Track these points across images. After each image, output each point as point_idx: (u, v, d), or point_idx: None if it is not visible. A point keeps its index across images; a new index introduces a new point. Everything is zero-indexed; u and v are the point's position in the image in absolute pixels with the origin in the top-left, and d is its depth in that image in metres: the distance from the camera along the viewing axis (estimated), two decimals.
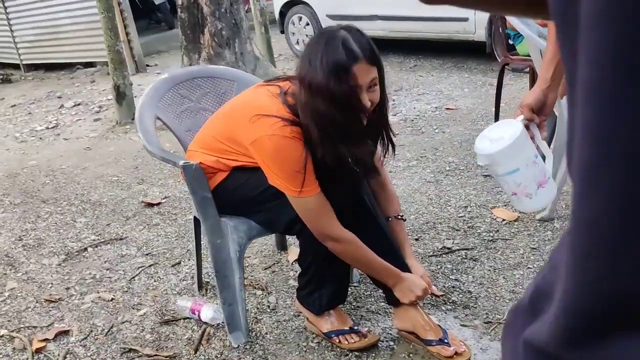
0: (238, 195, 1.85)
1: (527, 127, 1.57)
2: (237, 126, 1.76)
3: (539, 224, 2.54)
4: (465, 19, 5.40)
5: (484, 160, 1.55)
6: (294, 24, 6.98)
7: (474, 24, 5.38)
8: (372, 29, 5.73)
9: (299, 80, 1.64)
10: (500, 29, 3.64)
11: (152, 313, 2.23)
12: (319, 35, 1.65)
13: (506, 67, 3.73)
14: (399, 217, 1.95)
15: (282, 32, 7.18)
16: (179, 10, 4.84)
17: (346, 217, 1.76)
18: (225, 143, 1.81)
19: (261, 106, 1.70)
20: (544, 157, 1.62)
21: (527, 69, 4.60)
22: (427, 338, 1.82)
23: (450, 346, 1.79)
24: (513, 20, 2.84)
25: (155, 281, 2.46)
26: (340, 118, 1.59)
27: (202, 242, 2.26)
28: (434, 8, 5.47)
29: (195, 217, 2.21)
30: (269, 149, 1.66)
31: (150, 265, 2.58)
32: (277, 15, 7.08)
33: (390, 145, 1.81)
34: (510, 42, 3.52)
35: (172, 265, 2.57)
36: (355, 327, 1.93)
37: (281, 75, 1.88)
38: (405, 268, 1.86)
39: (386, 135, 1.79)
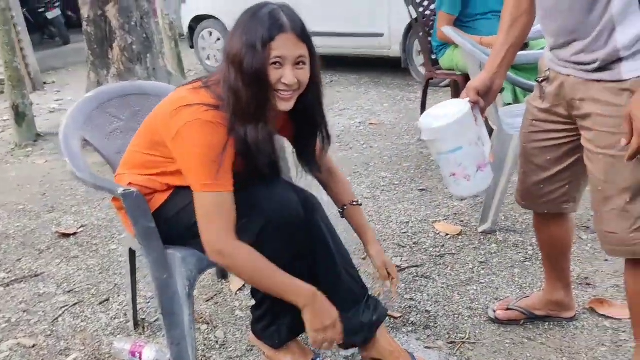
0: (180, 221, 1.66)
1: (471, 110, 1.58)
2: (158, 126, 1.59)
3: (482, 237, 2.55)
4: (381, 35, 5.48)
5: (429, 135, 1.55)
6: (204, 39, 6.79)
7: (389, 40, 5.47)
8: None
9: (223, 53, 1.53)
10: (423, 43, 3.68)
11: (84, 358, 1.98)
12: (251, 7, 1.50)
13: (430, 80, 3.78)
14: (355, 203, 1.83)
15: (192, 47, 6.96)
16: (84, 23, 4.51)
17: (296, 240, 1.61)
18: (151, 153, 1.64)
19: (182, 98, 1.53)
20: (483, 144, 1.62)
21: (447, 82, 4.72)
22: None
23: None
24: (449, 32, 2.85)
25: (82, 322, 2.20)
26: (246, 91, 1.45)
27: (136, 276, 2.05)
28: (350, 24, 5.53)
29: (130, 249, 2.00)
30: (187, 138, 1.48)
31: (74, 304, 2.32)
32: (186, 30, 6.85)
33: (326, 135, 1.68)
34: (433, 56, 3.56)
35: (100, 303, 2.32)
36: (318, 359, 1.80)
37: (202, 77, 1.69)
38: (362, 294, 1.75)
39: (323, 125, 1.66)
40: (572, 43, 1.43)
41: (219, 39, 6.59)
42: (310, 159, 1.73)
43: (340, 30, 5.56)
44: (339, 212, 1.83)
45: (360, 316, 1.73)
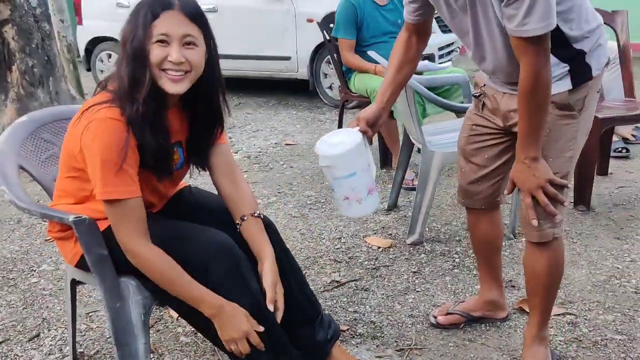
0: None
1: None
2: (68, 144, 1.57)
3: (412, 248, 2.69)
4: (288, 58, 5.59)
5: (327, 162, 1.65)
6: (102, 62, 6.56)
7: (297, 63, 5.59)
8: None
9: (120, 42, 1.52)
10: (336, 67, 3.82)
11: None
12: None
13: (345, 102, 3.92)
14: (256, 214, 1.69)
15: (89, 69, 6.70)
16: None
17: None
18: (73, 175, 1.60)
19: (82, 107, 1.54)
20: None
21: (354, 104, 4.92)
22: None
23: None
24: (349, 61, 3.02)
25: None
26: (128, 71, 1.46)
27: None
28: (258, 47, 5.60)
29: (73, 279, 1.91)
30: (88, 144, 1.45)
31: (0, 343, 2.16)
32: (82, 52, 6.59)
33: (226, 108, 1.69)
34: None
35: (29, 340, 2.18)
36: None
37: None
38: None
39: (217, 111, 1.66)
40: (500, 75, 1.68)
41: None
42: (202, 153, 1.71)
43: (248, 53, 5.61)
44: (237, 224, 1.69)
45: (316, 335, 1.76)
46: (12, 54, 4.22)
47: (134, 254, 1.53)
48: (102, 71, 6.56)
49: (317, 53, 5.42)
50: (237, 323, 1.52)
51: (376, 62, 3.49)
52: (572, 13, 1.54)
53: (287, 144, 4.39)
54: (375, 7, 3.60)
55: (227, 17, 5.64)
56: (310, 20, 5.22)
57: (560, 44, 1.54)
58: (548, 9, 1.41)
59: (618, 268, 2.45)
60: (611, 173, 3.44)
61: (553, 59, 1.52)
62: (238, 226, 1.69)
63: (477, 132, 1.86)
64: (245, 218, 1.68)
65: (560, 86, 1.59)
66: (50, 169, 1.93)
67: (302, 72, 5.62)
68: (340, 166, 1.65)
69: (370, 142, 1.78)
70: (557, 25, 1.46)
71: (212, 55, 1.55)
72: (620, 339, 2.00)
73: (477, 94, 1.84)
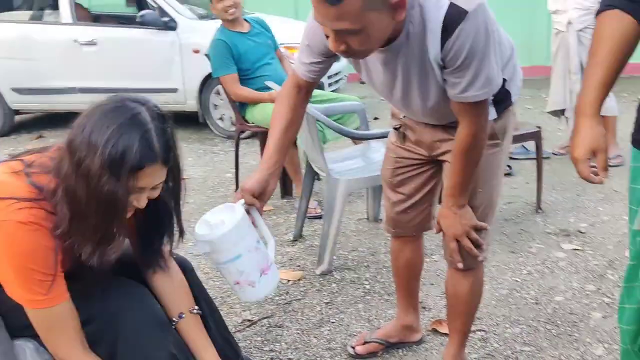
0: (18, 314, 1.43)
1: (247, 212, 1.52)
2: None
3: (322, 278, 2.66)
4: (175, 90, 5.43)
5: (204, 248, 1.45)
6: None
7: (184, 95, 5.45)
8: (72, 102, 5.32)
9: (67, 145, 1.29)
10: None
11: None
12: (117, 107, 1.28)
13: (241, 133, 3.86)
14: (194, 311, 1.59)
15: None
16: None
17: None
18: None
19: None
20: (266, 243, 1.56)
21: (248, 134, 4.87)
22: None
23: None
24: (273, 85, 2.99)
25: None
26: (95, 216, 1.29)
27: None
28: (144, 80, 5.39)
29: None
30: (1, 241, 1.28)
31: None
32: None
33: (179, 231, 1.54)
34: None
35: None
36: None
37: (32, 149, 1.49)
38: None
39: (178, 224, 1.53)
40: (426, 120, 1.72)
41: None
42: (152, 257, 1.55)
43: (133, 86, 5.36)
44: (173, 322, 1.55)
45: None
46: None
47: None
48: None
49: (205, 84, 5.32)
50: None
51: (267, 89, 3.50)
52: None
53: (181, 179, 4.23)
54: (242, 37, 3.63)
55: (108, 50, 5.39)
56: (196, 52, 5.11)
57: None
58: (491, 75, 1.44)
59: (517, 281, 2.58)
60: None
61: None
62: (174, 323, 1.55)
63: (402, 164, 1.85)
64: (183, 316, 1.56)
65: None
66: None
67: (191, 104, 5.47)
68: (220, 250, 1.45)
69: (261, 213, 1.55)
70: None
71: (178, 174, 1.44)
72: (528, 350, 2.09)
73: (398, 126, 1.83)
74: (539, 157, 3.29)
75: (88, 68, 5.46)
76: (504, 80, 1.58)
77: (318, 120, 2.69)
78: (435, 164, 1.81)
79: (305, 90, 1.65)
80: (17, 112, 5.87)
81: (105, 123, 1.25)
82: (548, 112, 4.23)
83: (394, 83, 1.56)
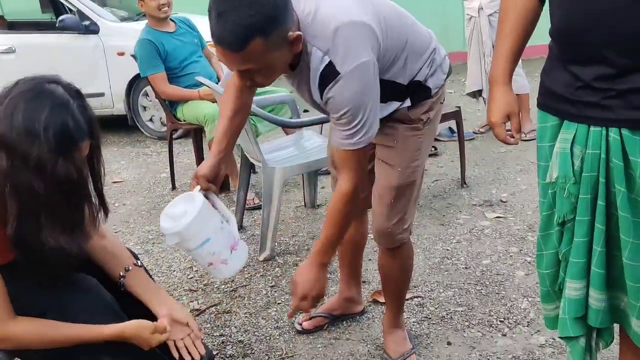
0: None
1: (206, 197, 1.63)
2: None
3: (265, 264, 2.75)
4: (102, 94, 5.35)
5: (174, 239, 1.54)
6: None
7: (112, 99, 5.38)
8: None
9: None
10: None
11: None
12: (34, 91, 1.32)
13: (173, 132, 3.89)
14: (137, 264, 1.65)
15: None
16: None
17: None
18: None
19: None
20: (228, 222, 1.66)
21: (180, 133, 4.89)
22: None
23: None
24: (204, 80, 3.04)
25: None
26: (64, 203, 1.35)
27: None
28: None
29: None
30: None
31: None
32: None
33: (103, 209, 1.57)
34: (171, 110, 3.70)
35: None
36: None
37: None
38: None
39: (100, 201, 1.55)
40: None
41: None
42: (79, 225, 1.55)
43: None
44: (120, 280, 1.61)
45: None
46: None
47: (6, 339, 1.39)
48: None
49: (133, 86, 5.27)
50: (142, 341, 1.50)
51: (196, 87, 3.55)
52: (397, 67, 1.63)
53: (114, 182, 4.20)
54: (168, 36, 3.68)
55: (28, 57, 5.23)
56: (121, 54, 5.06)
57: (397, 91, 1.67)
58: (374, 123, 1.53)
59: (447, 250, 2.76)
60: (426, 170, 3.83)
61: (394, 103, 1.68)
62: (122, 280, 1.60)
63: None
64: (129, 269, 1.62)
65: (400, 104, 1.71)
66: None
67: (119, 108, 5.40)
68: (189, 238, 1.54)
69: (217, 194, 1.70)
70: (390, 80, 1.60)
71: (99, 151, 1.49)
72: (461, 310, 2.26)
73: None
74: (461, 135, 3.50)
75: (8, 76, 5.27)
76: (419, 82, 1.69)
77: (252, 114, 2.77)
78: (370, 146, 1.91)
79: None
80: None
81: (35, 110, 1.29)
82: (467, 94, 4.48)
83: (302, 94, 1.68)
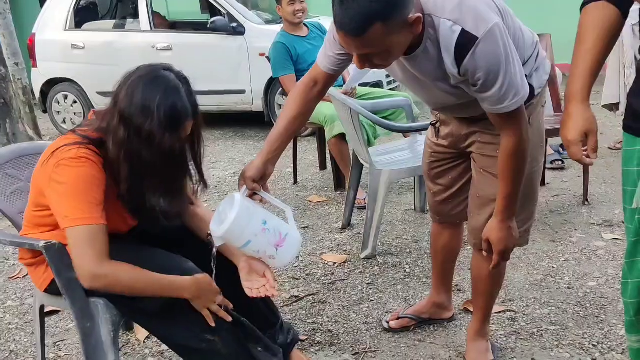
0: None
1: (254, 194, 1.70)
2: (36, 181, 1.68)
3: (366, 262, 2.85)
4: (243, 92, 5.77)
5: (219, 242, 1.66)
6: (58, 103, 6.61)
7: (251, 96, 5.78)
8: None
9: (118, 112, 1.57)
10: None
11: None
12: (151, 75, 1.58)
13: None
14: (216, 255, 1.78)
15: (45, 111, 6.74)
16: None
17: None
18: (40, 211, 1.71)
19: (51, 147, 1.65)
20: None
21: (309, 132, 5.12)
22: None
23: None
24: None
25: None
26: (165, 171, 1.62)
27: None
28: (214, 82, 5.76)
29: (42, 306, 2.00)
30: (59, 175, 1.57)
31: None
32: (37, 94, 6.63)
33: (202, 183, 1.82)
34: None
35: None
36: None
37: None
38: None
39: (199, 175, 1.80)
40: (447, 113, 1.87)
41: (75, 102, 6.47)
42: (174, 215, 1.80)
43: (205, 88, 5.76)
44: (207, 240, 1.76)
45: (276, 339, 1.91)
46: None
47: (101, 276, 1.61)
48: (58, 112, 6.60)
49: (271, 85, 5.62)
50: (210, 291, 1.69)
51: None
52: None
53: None
54: (301, 40, 3.87)
55: (183, 55, 5.79)
56: (262, 55, 5.42)
57: None
58: (517, 86, 1.51)
59: (553, 267, 2.67)
60: (548, 183, 3.70)
61: None
62: (209, 237, 1.76)
63: (437, 158, 2.00)
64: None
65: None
66: (16, 203, 2.03)
67: (257, 105, 5.79)
68: (231, 241, 1.65)
69: (267, 191, 1.74)
70: None
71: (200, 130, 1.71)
72: (554, 329, 2.20)
73: (434, 122, 1.98)
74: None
75: None
76: (526, 76, 1.64)
77: (361, 117, 2.89)
78: (466, 157, 1.93)
79: (321, 85, 1.75)
80: None
81: (151, 91, 1.55)
82: (603, 106, 4.22)
83: (412, 81, 1.72)
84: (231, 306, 1.74)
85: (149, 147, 1.57)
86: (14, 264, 3.10)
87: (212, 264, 1.74)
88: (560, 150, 4.03)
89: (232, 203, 1.66)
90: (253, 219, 1.64)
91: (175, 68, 1.66)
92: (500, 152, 1.65)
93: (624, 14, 1.38)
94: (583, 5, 1.41)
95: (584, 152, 1.43)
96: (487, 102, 1.56)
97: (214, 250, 1.74)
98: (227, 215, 1.64)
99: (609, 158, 4.07)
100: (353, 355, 2.14)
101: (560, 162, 3.98)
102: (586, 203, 3.34)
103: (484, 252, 1.80)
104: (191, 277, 1.68)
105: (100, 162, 1.60)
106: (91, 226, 1.58)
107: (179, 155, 1.63)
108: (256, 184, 1.69)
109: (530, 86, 1.70)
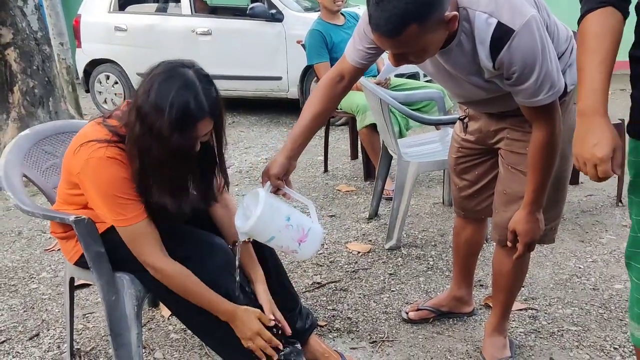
0: (123, 250, 1.79)
1: (277, 190, 1.75)
2: (67, 166, 1.73)
3: (389, 253, 2.86)
4: (279, 78, 5.81)
5: (244, 237, 1.70)
6: (100, 83, 6.77)
7: (287, 83, 5.81)
8: None
9: (135, 108, 1.59)
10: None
11: None
12: (169, 73, 1.57)
13: (331, 119, 4.13)
14: (248, 240, 1.81)
15: (87, 91, 6.92)
16: None
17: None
18: (72, 190, 1.77)
19: (82, 134, 1.69)
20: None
21: (342, 121, 5.14)
22: None
23: None
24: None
25: (13, 357, 2.22)
26: (170, 167, 1.62)
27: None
28: (251, 68, 5.82)
29: (71, 278, 2.08)
30: (89, 175, 1.63)
31: (1, 342, 2.32)
32: (81, 74, 6.81)
33: (225, 182, 1.86)
34: None
35: (30, 339, 2.34)
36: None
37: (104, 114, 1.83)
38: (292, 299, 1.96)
39: (222, 172, 1.83)
40: (476, 109, 1.85)
41: (116, 83, 6.62)
42: (209, 191, 1.84)
43: (243, 74, 5.83)
44: (230, 247, 1.84)
45: (295, 323, 1.94)
46: (14, 75, 4.43)
47: (157, 269, 1.70)
48: (100, 92, 6.77)
49: (307, 73, 5.64)
50: (249, 324, 1.72)
51: None
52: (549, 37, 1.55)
53: None
54: (337, 28, 3.87)
55: (221, 40, 5.87)
56: (299, 42, 5.45)
57: None
58: (553, 79, 1.49)
59: (580, 268, 2.63)
60: (582, 182, 3.63)
61: None
62: (231, 249, 1.85)
63: (464, 153, 1.99)
64: (238, 243, 1.80)
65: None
66: (51, 178, 2.11)
67: (293, 92, 5.82)
68: (256, 236, 1.70)
69: (290, 186, 1.80)
70: None
71: (220, 129, 1.68)
72: (575, 330, 2.17)
73: (462, 117, 1.97)
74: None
75: (203, 56, 5.98)
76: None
77: (390, 108, 2.88)
78: (492, 154, 1.92)
79: (347, 79, 1.75)
80: None
81: (165, 89, 1.54)
82: None
83: (443, 74, 1.71)
84: (281, 346, 1.77)
85: (158, 145, 1.57)
86: (49, 237, 3.21)
87: (237, 259, 1.78)
88: None
89: (256, 199, 1.69)
90: (277, 215, 1.68)
91: (197, 64, 1.63)
92: (531, 144, 1.63)
93: (626, 18, 1.33)
94: (586, 12, 1.30)
95: None
96: (521, 95, 1.55)
97: (239, 242, 1.77)
98: (251, 211, 1.67)
99: None
100: (370, 343, 2.16)
101: None
102: (620, 204, 3.27)
103: (508, 243, 1.78)
104: (232, 306, 1.72)
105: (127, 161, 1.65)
106: (132, 226, 1.66)
107: (187, 154, 1.62)
108: (280, 180, 1.73)
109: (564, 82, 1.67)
